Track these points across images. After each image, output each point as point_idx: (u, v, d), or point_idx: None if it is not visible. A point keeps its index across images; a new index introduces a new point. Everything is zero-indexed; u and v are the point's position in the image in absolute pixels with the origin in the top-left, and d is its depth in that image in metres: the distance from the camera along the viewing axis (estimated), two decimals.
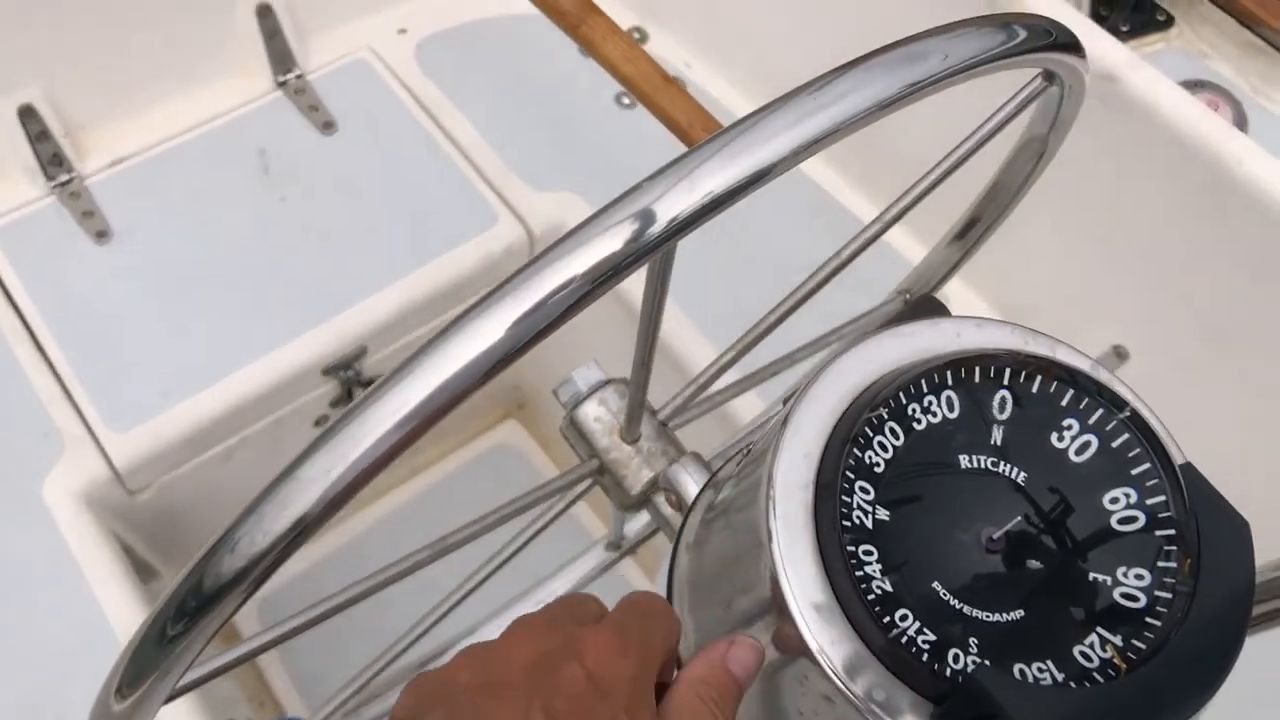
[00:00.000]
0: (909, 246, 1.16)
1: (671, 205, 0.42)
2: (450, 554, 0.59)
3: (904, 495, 0.41)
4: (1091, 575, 0.40)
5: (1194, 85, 1.12)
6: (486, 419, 1.42)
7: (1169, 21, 1.15)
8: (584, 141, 1.21)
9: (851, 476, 0.41)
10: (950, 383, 0.43)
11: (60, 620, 0.91)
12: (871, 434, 0.41)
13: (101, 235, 1.06)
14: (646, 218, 0.42)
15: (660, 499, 0.63)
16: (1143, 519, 0.41)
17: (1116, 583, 0.40)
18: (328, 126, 1.16)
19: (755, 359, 0.66)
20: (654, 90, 0.78)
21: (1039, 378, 0.43)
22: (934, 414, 0.43)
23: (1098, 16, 1.14)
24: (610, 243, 0.40)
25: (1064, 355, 0.44)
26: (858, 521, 0.40)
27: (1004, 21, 0.49)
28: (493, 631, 0.82)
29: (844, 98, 0.44)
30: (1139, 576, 0.40)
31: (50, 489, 0.96)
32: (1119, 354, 1.13)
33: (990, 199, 0.67)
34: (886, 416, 0.42)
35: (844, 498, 0.40)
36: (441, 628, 0.71)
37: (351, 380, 1.10)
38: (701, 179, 0.42)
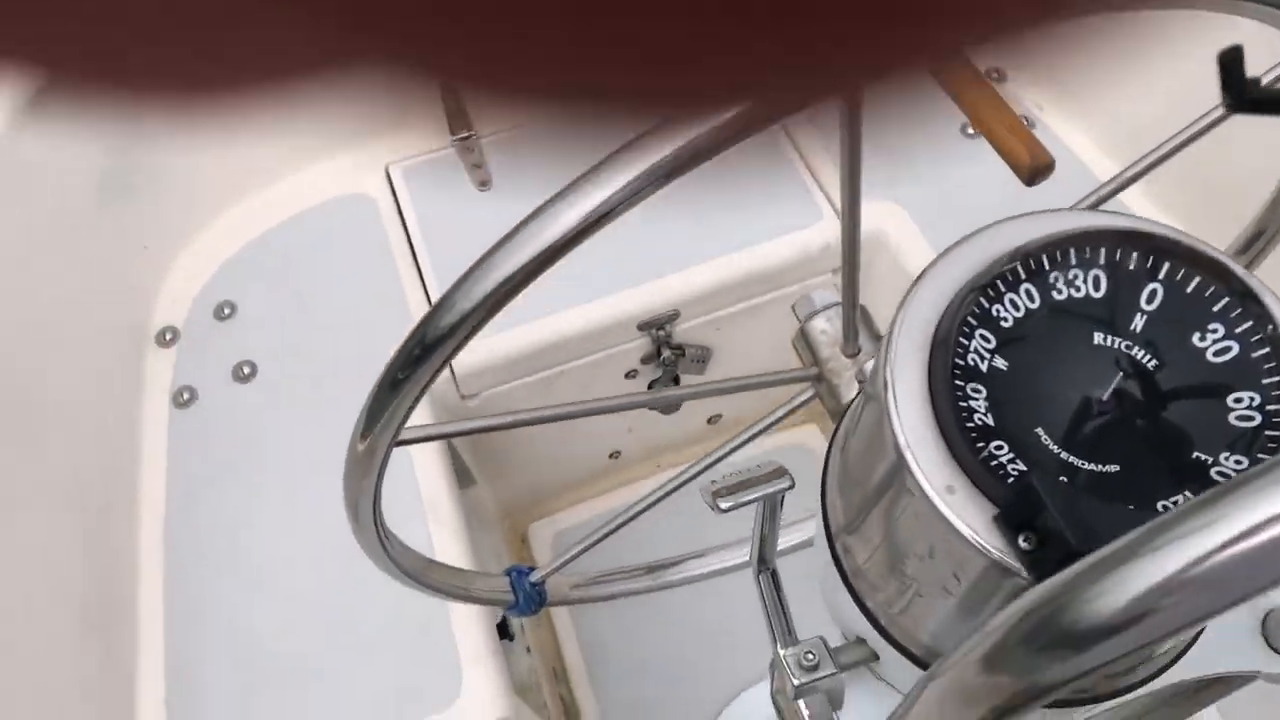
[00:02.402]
0: None
1: None
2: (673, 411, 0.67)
3: (1025, 352, 0.45)
4: (1195, 453, 0.42)
5: None
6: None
7: None
8: (920, 163, 1.27)
9: (973, 323, 0.45)
10: (1103, 260, 0.46)
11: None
12: (1004, 289, 0.45)
13: (484, 185, 1.25)
14: None
15: None
16: (1258, 419, 0.42)
17: (1216, 463, 0.42)
18: None
19: None
20: (996, 123, 0.83)
21: (1197, 278, 0.45)
22: (1077, 288, 0.46)
23: None
24: None
25: (1229, 262, 0.46)
26: (972, 363, 0.44)
27: None
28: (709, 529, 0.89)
29: None
30: (1238, 462, 0.42)
31: None
32: None
33: (1275, 209, 0.67)
34: (1024, 276, 0.46)
35: (963, 340, 0.45)
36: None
37: (662, 340, 1.21)
38: None
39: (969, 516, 0.41)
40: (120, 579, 1.03)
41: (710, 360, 1.28)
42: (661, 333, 1.21)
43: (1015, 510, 0.40)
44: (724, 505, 0.47)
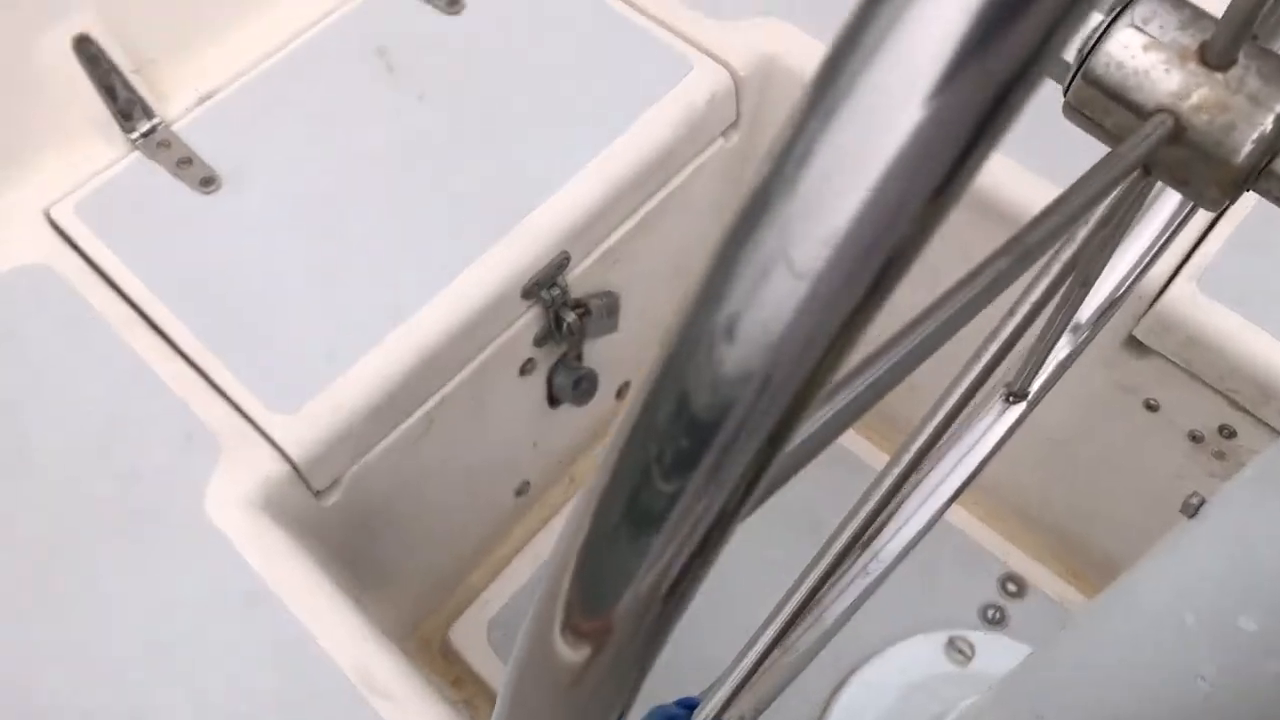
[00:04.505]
0: None
1: None
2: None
3: None
4: None
5: None
6: None
7: None
8: None
9: None
10: None
11: (270, 671, 0.66)
12: None
13: (207, 183, 0.82)
14: None
15: None
16: None
17: None
18: (453, 3, 0.91)
19: None
20: None
21: None
22: None
23: None
24: None
25: None
26: None
27: None
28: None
29: None
30: None
31: (214, 503, 0.71)
32: None
33: None
34: None
35: None
36: None
37: (557, 302, 0.84)
38: None
39: None
40: None
41: (620, 308, 0.92)
42: (554, 291, 0.83)
43: None
44: None
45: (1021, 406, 0.61)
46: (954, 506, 1.09)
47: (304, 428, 0.73)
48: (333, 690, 0.65)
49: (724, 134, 0.92)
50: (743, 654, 0.45)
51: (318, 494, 0.76)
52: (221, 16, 0.89)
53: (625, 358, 1.00)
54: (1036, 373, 0.59)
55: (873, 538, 0.58)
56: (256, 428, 0.73)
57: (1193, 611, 0.48)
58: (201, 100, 0.87)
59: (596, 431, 1.07)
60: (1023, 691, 0.70)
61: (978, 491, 1.08)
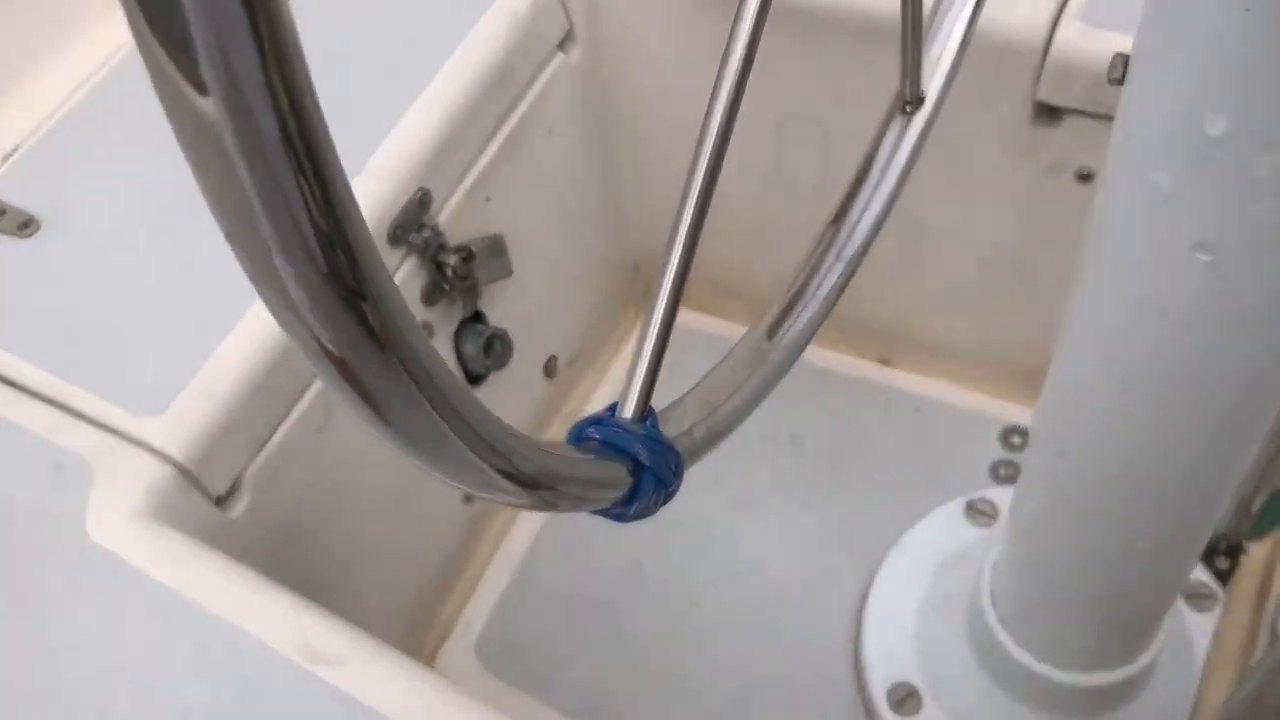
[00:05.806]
0: None
1: None
2: None
3: None
4: None
5: None
6: (623, 326, 1.08)
7: None
8: None
9: None
10: None
11: (199, 679, 0.56)
12: None
13: (25, 226, 0.75)
14: None
15: None
16: None
17: None
18: None
19: None
20: None
21: None
22: None
23: None
24: None
25: None
26: None
27: None
28: None
29: None
30: None
31: (96, 524, 0.62)
32: None
33: None
34: None
35: None
36: None
37: (432, 246, 0.77)
38: None
39: None
40: None
41: (507, 250, 0.85)
42: (425, 234, 0.76)
43: None
44: None
45: (925, 111, 0.54)
46: (935, 380, 1.02)
47: (177, 424, 0.65)
48: (275, 675, 0.56)
49: (563, 48, 0.87)
50: (644, 332, 0.37)
51: (219, 501, 0.67)
52: (11, 74, 0.84)
53: (533, 316, 0.92)
54: (918, 74, 0.52)
55: (805, 285, 0.51)
56: (126, 438, 0.65)
57: (1165, 170, 0.41)
58: (6, 156, 0.80)
59: (540, 417, 0.98)
60: (1040, 437, 0.62)
61: (955, 358, 1.00)
